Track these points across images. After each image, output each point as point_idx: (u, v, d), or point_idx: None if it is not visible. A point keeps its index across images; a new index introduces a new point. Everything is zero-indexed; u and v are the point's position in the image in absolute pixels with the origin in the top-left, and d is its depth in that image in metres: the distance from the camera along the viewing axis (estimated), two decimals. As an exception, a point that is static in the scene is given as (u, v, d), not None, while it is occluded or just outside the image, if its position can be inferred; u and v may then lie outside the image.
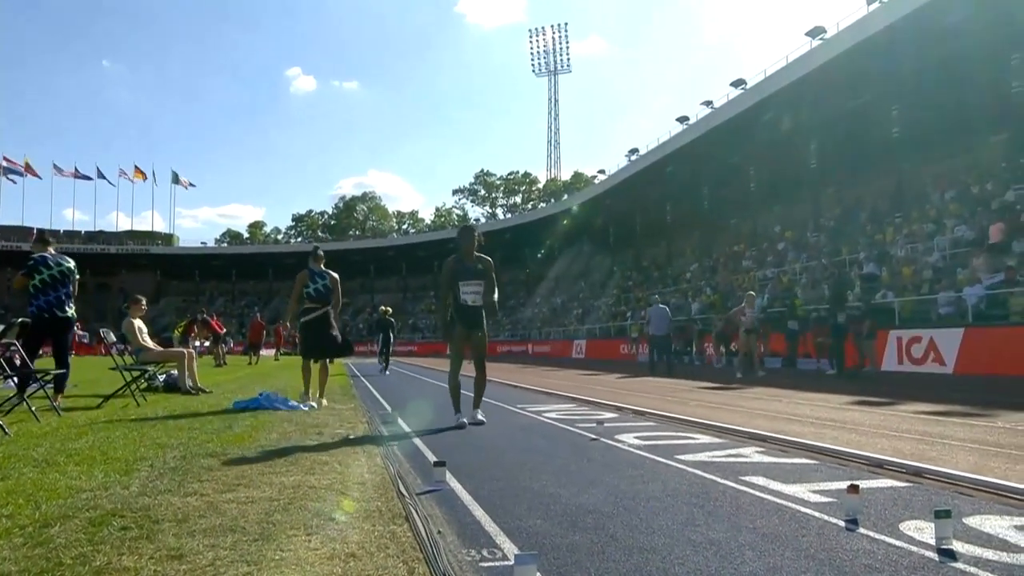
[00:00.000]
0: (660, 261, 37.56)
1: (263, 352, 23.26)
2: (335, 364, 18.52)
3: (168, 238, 63.98)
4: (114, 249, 56.91)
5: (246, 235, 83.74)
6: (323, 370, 7.36)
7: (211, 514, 2.63)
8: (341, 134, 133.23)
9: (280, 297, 61.01)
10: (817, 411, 6.67)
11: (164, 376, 9.17)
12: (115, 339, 8.04)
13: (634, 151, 35.04)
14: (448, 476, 3.38)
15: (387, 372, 15.29)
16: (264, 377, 12.89)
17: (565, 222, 40.98)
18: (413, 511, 2.72)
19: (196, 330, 18.63)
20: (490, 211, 77.75)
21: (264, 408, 6.56)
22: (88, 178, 57.65)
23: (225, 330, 25.34)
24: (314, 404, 6.89)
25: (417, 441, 4.76)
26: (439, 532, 2.47)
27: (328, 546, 2.26)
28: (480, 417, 5.76)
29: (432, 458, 3.81)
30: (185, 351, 8.93)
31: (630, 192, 33.96)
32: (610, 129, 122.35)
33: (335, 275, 7.25)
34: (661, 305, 16.44)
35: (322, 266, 7.20)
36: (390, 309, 18.06)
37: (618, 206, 35.73)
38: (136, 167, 58.82)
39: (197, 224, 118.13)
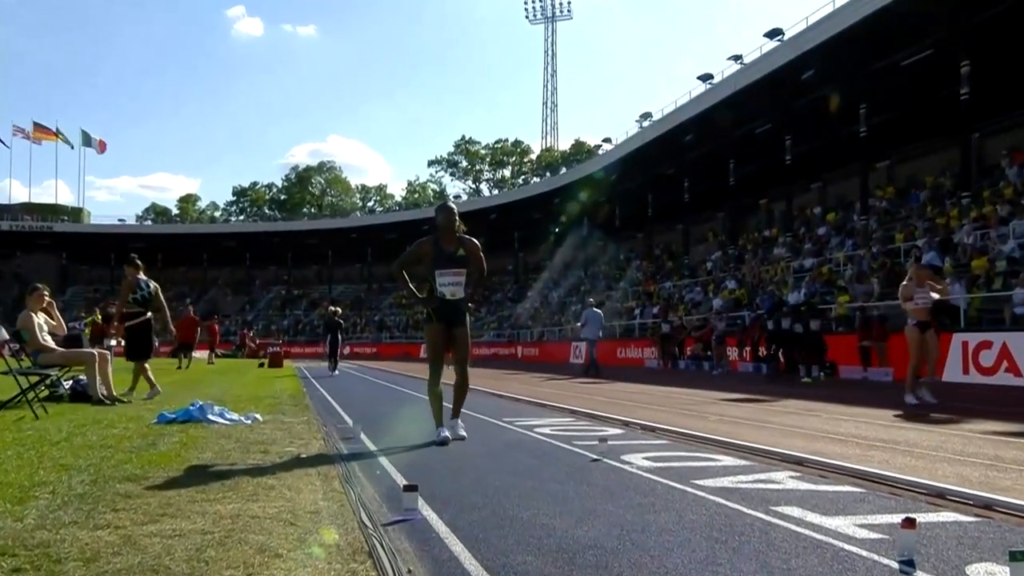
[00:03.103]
0: (675, 248, 37.75)
1: (196, 354, 23.11)
2: (284, 368, 21.42)
3: (76, 213, 63.29)
4: (7, 225, 56.10)
5: (175, 211, 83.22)
6: (141, 370, 9.42)
7: (128, 551, 2.59)
8: (294, 91, 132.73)
9: (218, 288, 60.81)
10: (863, 429, 6.73)
11: (70, 382, 9.04)
12: (8, 336, 7.91)
13: (646, 116, 35.12)
14: (421, 503, 3.38)
15: (336, 373, 17.68)
16: (196, 384, 12.81)
17: (562, 201, 41.00)
18: (378, 545, 2.71)
19: (111, 326, 18.45)
20: (473, 187, 77.79)
21: (196, 421, 6.52)
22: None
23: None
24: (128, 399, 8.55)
25: (384, 461, 4.76)
26: (409, 571, 2.46)
27: (272, 589, 2.24)
28: (461, 432, 5.82)
29: (402, 481, 3.82)
30: (97, 352, 8.81)
31: (641, 165, 34.03)
32: (618, 89, 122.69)
33: (156, 284, 9.76)
34: (596, 309, 18.95)
35: (142, 274, 9.46)
36: (339, 309, 20.72)
37: (627, 182, 35.82)
38: (38, 125, 57.85)
39: (114, 197, 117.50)
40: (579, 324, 20.22)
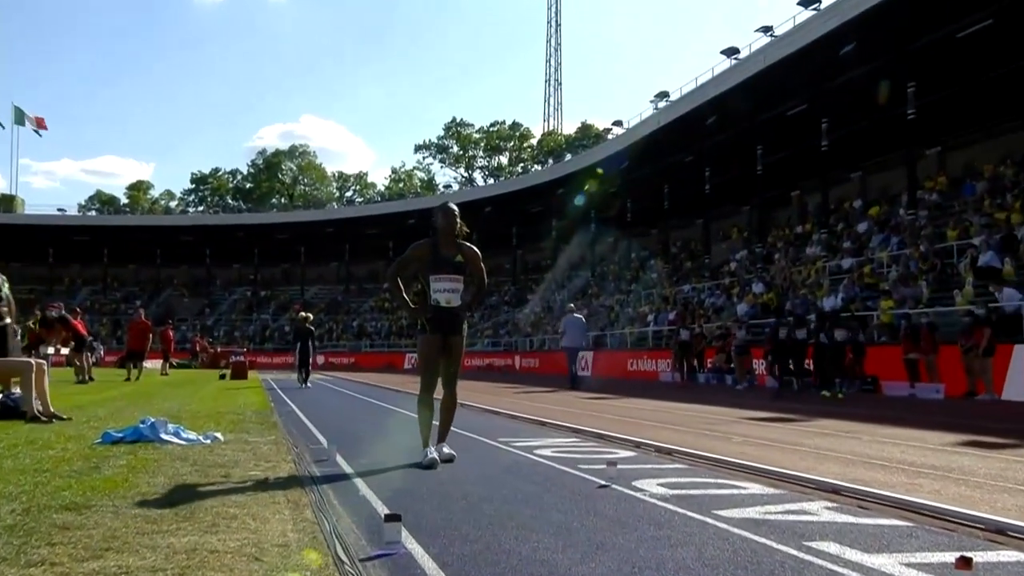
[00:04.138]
0: (695, 247, 37.82)
1: (147, 364, 23.10)
2: (249, 379, 21.58)
3: (9, 201, 63.17)
4: (-75, 215, 56.03)
5: (124, 200, 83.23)
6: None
7: (67, 588, 2.58)
8: (262, 64, 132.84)
9: (173, 289, 60.75)
10: (910, 454, 6.74)
11: (1, 396, 9.06)
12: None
13: (663, 96, 35.19)
14: (404, 535, 3.37)
15: (308, 385, 18.13)
16: (148, 398, 12.81)
17: (567, 192, 41.03)
18: (353, 585, 2.69)
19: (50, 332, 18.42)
20: (465, 175, 77.94)
21: (147, 441, 6.52)
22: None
23: (92, 336, 25.11)
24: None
25: (362, 485, 4.77)
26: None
27: (233, 633, 2.23)
28: (447, 451, 5.86)
29: (383, 510, 3.82)
30: (32, 361, 8.80)
31: (657, 152, 34.08)
32: (631, 65, 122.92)
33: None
34: (576, 315, 20.12)
35: None
36: (310, 316, 21.34)
37: (640, 171, 35.87)
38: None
39: (53, 183, 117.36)
40: (559, 332, 21.35)
